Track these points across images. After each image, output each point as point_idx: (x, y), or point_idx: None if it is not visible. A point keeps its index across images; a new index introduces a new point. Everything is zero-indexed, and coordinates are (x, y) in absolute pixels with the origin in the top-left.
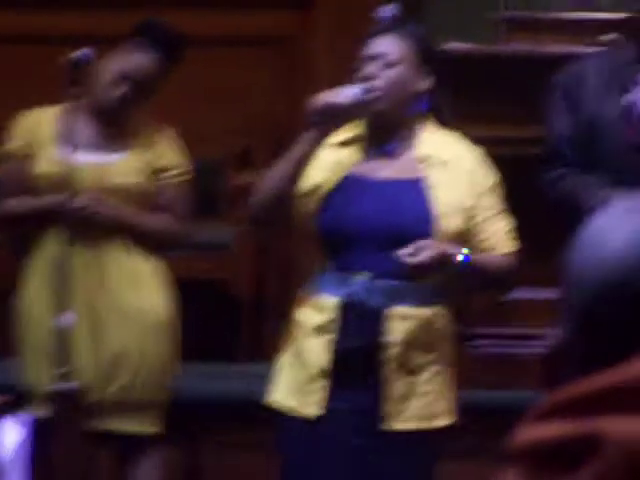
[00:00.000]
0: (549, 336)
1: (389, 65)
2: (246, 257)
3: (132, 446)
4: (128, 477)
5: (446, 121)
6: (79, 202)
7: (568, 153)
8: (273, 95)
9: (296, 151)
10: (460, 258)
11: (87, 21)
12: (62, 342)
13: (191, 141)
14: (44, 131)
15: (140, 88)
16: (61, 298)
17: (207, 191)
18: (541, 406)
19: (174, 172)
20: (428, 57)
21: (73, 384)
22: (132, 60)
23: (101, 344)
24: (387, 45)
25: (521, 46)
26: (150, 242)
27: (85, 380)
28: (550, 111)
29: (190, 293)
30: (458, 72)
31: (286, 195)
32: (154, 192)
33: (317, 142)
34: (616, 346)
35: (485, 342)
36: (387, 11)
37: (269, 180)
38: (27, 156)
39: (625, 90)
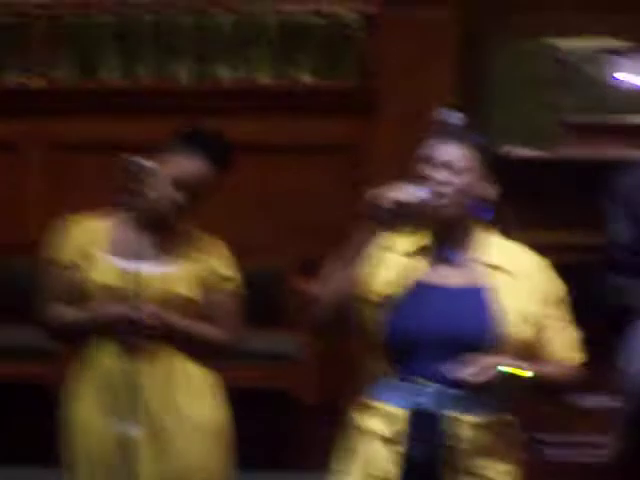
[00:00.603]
0: (608, 445)
1: (457, 172)
2: (309, 365)
3: None
4: None
5: (511, 230)
6: (145, 313)
7: (629, 261)
8: (337, 202)
9: (353, 250)
10: (524, 373)
11: (138, 128)
12: (126, 454)
13: (254, 249)
14: (98, 239)
15: (193, 196)
16: (126, 410)
17: (269, 300)
18: None
19: (226, 283)
20: (492, 166)
21: None
22: (186, 168)
23: (164, 456)
24: (455, 153)
25: (582, 151)
26: (203, 352)
27: None
28: (610, 218)
29: (248, 402)
30: (520, 177)
31: (346, 297)
32: (205, 302)
33: (370, 239)
34: None
35: (552, 449)
36: (453, 117)
37: (328, 284)
38: (76, 264)
39: None
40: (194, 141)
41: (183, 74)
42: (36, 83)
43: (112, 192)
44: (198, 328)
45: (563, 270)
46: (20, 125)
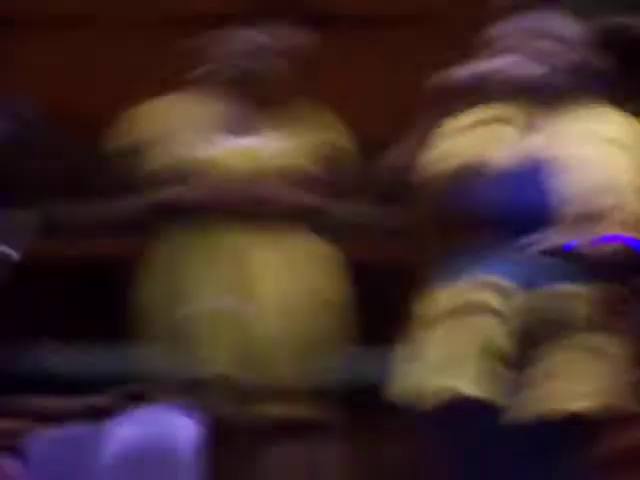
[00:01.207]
0: None
1: (564, 43)
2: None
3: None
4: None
5: (622, 103)
6: (268, 191)
7: None
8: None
9: (426, 124)
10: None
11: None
12: (213, 327)
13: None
14: (173, 119)
15: (294, 64)
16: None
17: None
18: None
19: (344, 155)
20: (607, 37)
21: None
22: (279, 35)
23: (287, 328)
24: (558, 23)
25: None
26: (323, 225)
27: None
28: None
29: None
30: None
31: (415, 163)
32: (322, 175)
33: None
34: None
35: None
36: None
37: (401, 147)
38: (144, 150)
39: None
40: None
41: None
42: None
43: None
44: (317, 202)
45: None
46: None
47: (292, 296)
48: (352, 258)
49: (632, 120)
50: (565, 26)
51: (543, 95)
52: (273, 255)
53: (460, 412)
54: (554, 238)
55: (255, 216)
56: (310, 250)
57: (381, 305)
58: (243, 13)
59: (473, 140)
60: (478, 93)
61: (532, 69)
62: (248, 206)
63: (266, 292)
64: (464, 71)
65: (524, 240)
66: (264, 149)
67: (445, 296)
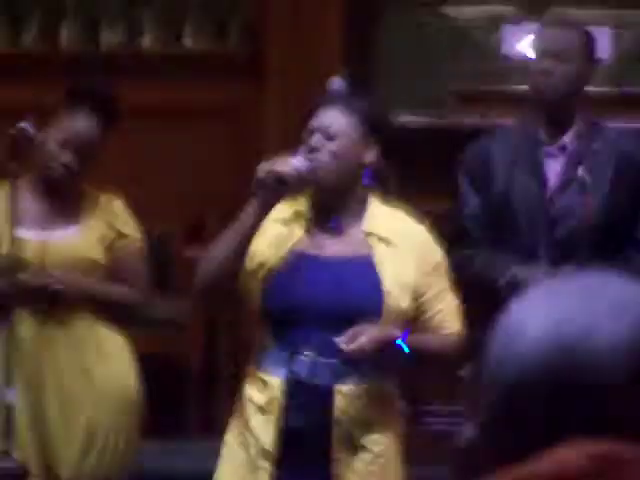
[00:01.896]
0: (465, 428)
1: (331, 138)
2: (196, 332)
3: None
4: None
5: (392, 194)
6: (38, 280)
7: (477, 232)
8: (224, 166)
9: (242, 222)
10: (399, 343)
11: (24, 93)
12: (6, 418)
13: (141, 213)
14: None
15: (83, 155)
16: (7, 373)
17: (157, 264)
18: None
19: (130, 241)
20: (373, 129)
21: (12, 461)
22: (71, 127)
23: (72, 421)
24: (330, 117)
25: (469, 119)
26: (115, 313)
27: (57, 457)
28: (458, 189)
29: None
30: (407, 145)
31: (232, 268)
32: (112, 261)
33: (263, 212)
34: (530, 440)
35: (435, 419)
36: (336, 83)
37: (214, 252)
38: None
39: (534, 165)
40: (79, 97)
41: (67, 38)
42: None
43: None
44: (106, 289)
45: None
46: None
47: (81, 389)
48: (144, 351)
49: (402, 214)
50: (332, 119)
51: (323, 190)
52: (64, 348)
53: None
54: (351, 336)
55: (48, 307)
56: (103, 342)
57: (171, 399)
58: (54, 104)
59: (270, 239)
60: (275, 189)
61: (297, 165)
62: (41, 297)
63: (55, 385)
64: (261, 168)
65: (332, 338)
66: (51, 240)
67: (250, 390)
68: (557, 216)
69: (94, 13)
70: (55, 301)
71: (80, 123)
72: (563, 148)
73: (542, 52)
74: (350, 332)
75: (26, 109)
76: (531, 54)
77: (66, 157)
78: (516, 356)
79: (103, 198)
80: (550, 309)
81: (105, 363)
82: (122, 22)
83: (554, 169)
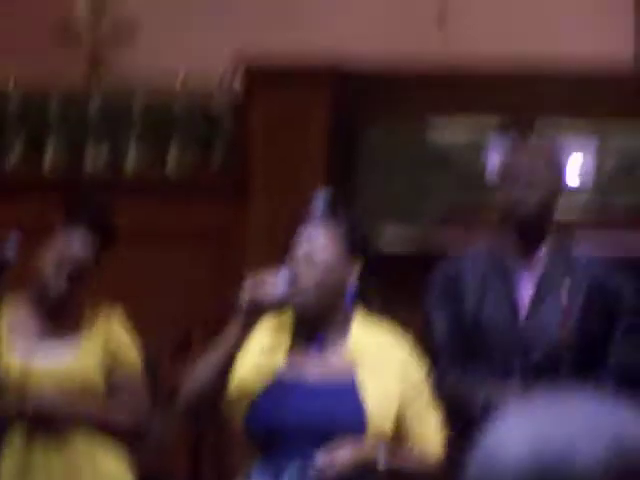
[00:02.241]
0: None
1: (313, 263)
2: (181, 450)
3: None
4: None
5: (375, 310)
6: (32, 406)
7: (448, 350)
8: (209, 287)
9: (224, 341)
10: (380, 462)
11: (6, 214)
12: None
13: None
14: None
15: (78, 276)
16: None
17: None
18: None
19: (130, 362)
20: (355, 246)
21: None
22: (67, 248)
23: None
24: (313, 241)
25: (454, 244)
26: (113, 439)
27: None
28: (429, 308)
29: None
30: (390, 268)
31: (214, 387)
32: (111, 385)
33: (244, 332)
34: None
35: None
36: (318, 203)
37: (197, 371)
38: None
39: (505, 280)
40: (76, 217)
41: (49, 161)
42: None
43: None
44: (104, 416)
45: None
46: None
47: None
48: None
49: (384, 328)
50: (316, 243)
51: (305, 312)
52: (59, 471)
53: None
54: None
55: (32, 428)
56: (100, 463)
57: None
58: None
59: (253, 362)
60: (261, 310)
61: (278, 291)
62: (19, 419)
63: None
64: (243, 292)
65: (312, 458)
66: (46, 364)
67: None
68: (531, 339)
69: (78, 136)
70: (49, 426)
71: (76, 243)
72: (533, 272)
73: (513, 178)
74: (326, 456)
75: (6, 229)
76: (498, 175)
77: (60, 278)
78: (497, 478)
79: (101, 318)
80: (527, 432)
81: None
82: (106, 145)
83: (526, 292)
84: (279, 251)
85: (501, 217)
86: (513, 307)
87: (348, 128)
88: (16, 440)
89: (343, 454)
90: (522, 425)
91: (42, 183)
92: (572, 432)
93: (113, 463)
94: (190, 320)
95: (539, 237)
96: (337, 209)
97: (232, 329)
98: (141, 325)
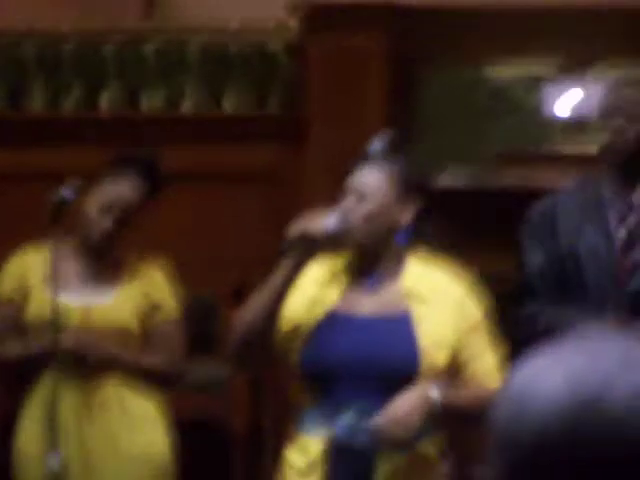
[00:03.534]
0: None
1: (365, 199)
2: (241, 395)
3: None
4: None
5: (436, 250)
6: (66, 344)
7: (542, 289)
8: (265, 230)
9: (273, 281)
10: (435, 401)
11: (65, 158)
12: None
13: (183, 278)
14: (35, 274)
15: (122, 220)
16: (51, 440)
17: (200, 328)
18: None
19: (168, 309)
20: (410, 188)
21: None
22: (113, 191)
23: None
24: (365, 178)
25: (513, 180)
26: (145, 382)
27: None
28: (523, 247)
29: (184, 432)
30: (449, 206)
31: (263, 327)
32: (147, 330)
33: (294, 271)
34: None
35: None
36: (376, 144)
37: (248, 313)
38: (16, 300)
39: (601, 214)
40: (124, 165)
41: (106, 103)
42: None
43: (41, 223)
44: (139, 357)
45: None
46: None
47: (105, 455)
48: (186, 417)
49: (442, 270)
50: (367, 180)
51: (356, 250)
52: (87, 412)
53: None
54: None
55: (71, 369)
56: (129, 407)
57: (214, 467)
58: (97, 169)
59: (306, 300)
60: (306, 249)
61: (328, 226)
62: (62, 359)
63: (78, 449)
64: (292, 228)
65: (371, 400)
66: (86, 306)
67: (291, 454)
68: (626, 273)
69: (135, 78)
70: (82, 365)
71: (123, 187)
72: (631, 206)
73: (614, 110)
74: (384, 418)
75: (66, 174)
76: (594, 111)
77: (106, 222)
78: (531, 417)
79: (143, 266)
80: (560, 370)
81: (131, 428)
82: (162, 87)
83: (622, 226)
84: (336, 191)
85: (599, 152)
86: (610, 240)
87: (407, 67)
88: (47, 378)
89: (400, 408)
90: (554, 363)
91: (99, 126)
92: (607, 368)
93: (144, 405)
94: (245, 264)
95: (637, 172)
96: (394, 150)
97: (281, 268)
98: (196, 269)
